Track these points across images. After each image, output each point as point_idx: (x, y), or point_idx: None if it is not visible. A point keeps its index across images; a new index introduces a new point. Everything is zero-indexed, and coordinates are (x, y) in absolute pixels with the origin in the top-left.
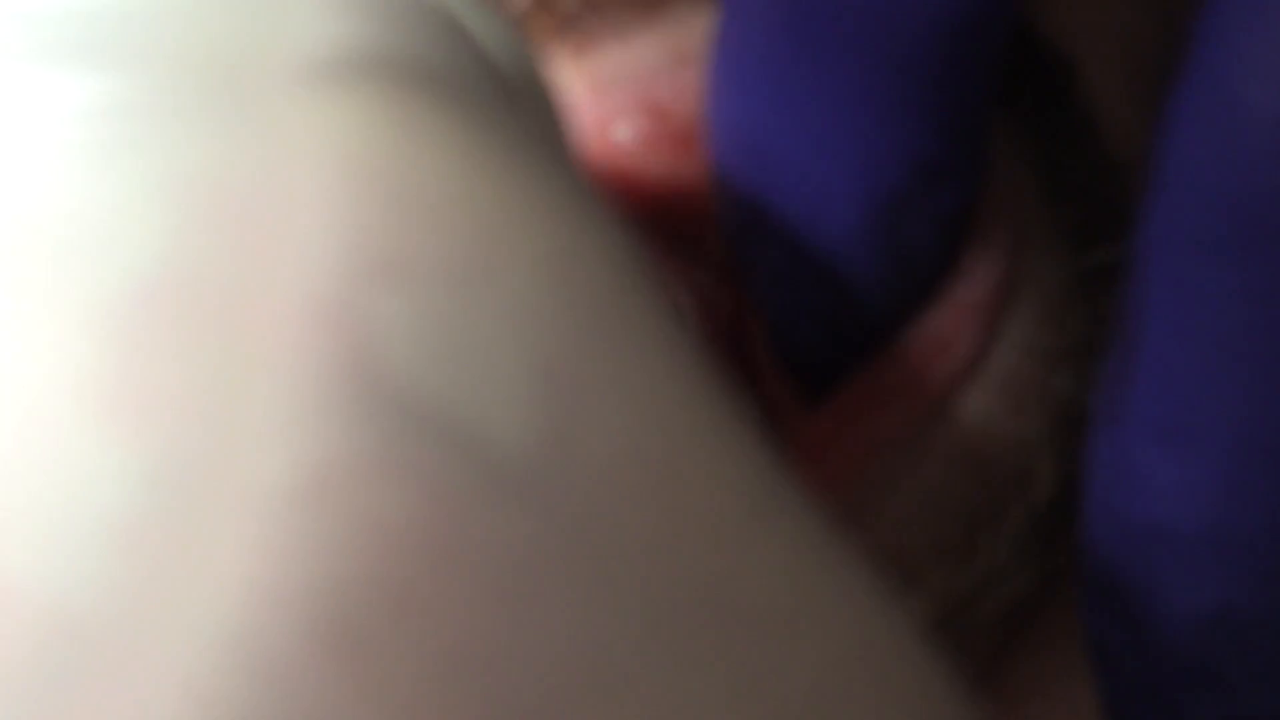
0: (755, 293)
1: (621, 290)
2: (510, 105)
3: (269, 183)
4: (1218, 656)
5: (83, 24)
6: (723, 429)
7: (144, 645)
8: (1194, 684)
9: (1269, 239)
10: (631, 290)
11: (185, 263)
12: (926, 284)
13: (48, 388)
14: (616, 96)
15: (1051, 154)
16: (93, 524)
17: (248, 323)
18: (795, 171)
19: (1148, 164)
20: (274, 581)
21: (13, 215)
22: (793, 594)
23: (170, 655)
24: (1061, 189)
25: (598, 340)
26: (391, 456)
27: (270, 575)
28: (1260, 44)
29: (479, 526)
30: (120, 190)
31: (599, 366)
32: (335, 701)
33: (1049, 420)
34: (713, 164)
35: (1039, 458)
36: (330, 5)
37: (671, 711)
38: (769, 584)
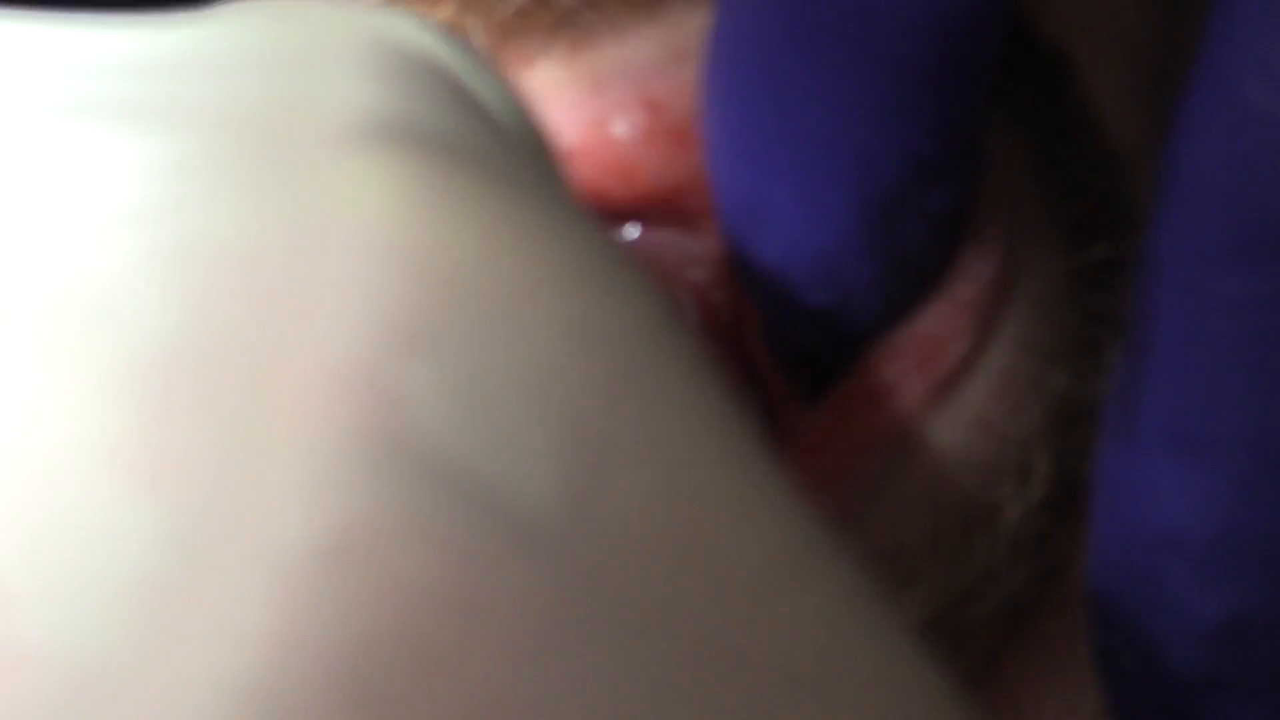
0: (752, 290)
1: (647, 348)
2: (519, 166)
3: (301, 253)
4: (1226, 665)
5: (125, 79)
6: (753, 486)
7: (164, 697)
8: (1202, 693)
9: (1269, 246)
10: (657, 346)
11: (212, 329)
12: (922, 281)
13: (73, 450)
14: (614, 93)
15: (1048, 150)
16: (116, 583)
17: (272, 388)
18: (791, 170)
19: (1146, 161)
20: (295, 637)
21: (46, 277)
22: (818, 654)
23: (190, 705)
24: (1058, 185)
25: (624, 400)
26: (415, 516)
27: (291, 631)
28: (1271, 49)
29: (502, 584)
30: (152, 255)
31: (624, 426)
32: None
33: (1046, 417)
34: (709, 162)
35: (1036, 454)
36: (361, 72)
37: None
38: (794, 643)
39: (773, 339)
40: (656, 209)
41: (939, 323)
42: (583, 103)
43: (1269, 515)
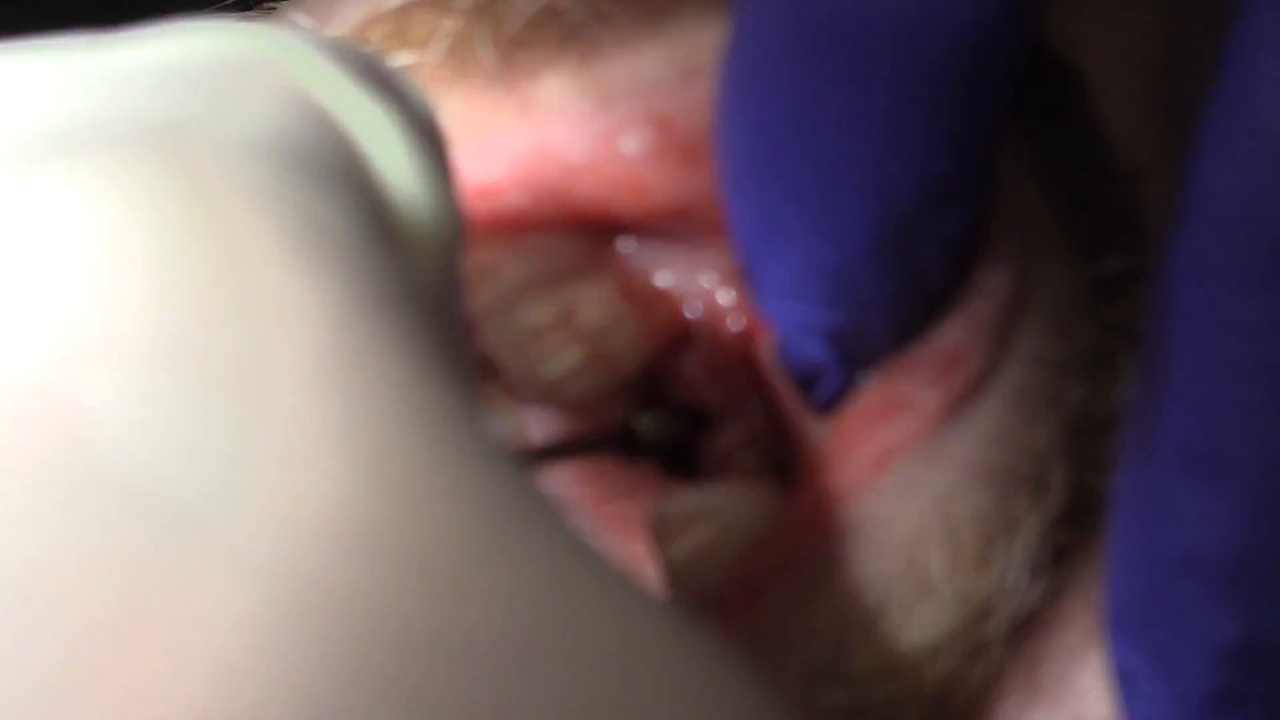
0: (764, 306)
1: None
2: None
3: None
4: (1244, 685)
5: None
6: (454, 465)
7: None
8: (1220, 712)
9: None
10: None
11: None
12: (936, 299)
13: None
14: (623, 108)
15: (1060, 164)
16: None
17: None
18: (804, 190)
19: (1158, 172)
20: None
21: None
22: (531, 622)
23: None
24: (1070, 199)
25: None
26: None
27: None
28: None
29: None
30: None
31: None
32: None
33: (1062, 429)
34: (722, 179)
35: (1052, 467)
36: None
37: None
38: (503, 620)
39: (785, 355)
40: (665, 224)
41: (954, 338)
42: (591, 117)
43: None
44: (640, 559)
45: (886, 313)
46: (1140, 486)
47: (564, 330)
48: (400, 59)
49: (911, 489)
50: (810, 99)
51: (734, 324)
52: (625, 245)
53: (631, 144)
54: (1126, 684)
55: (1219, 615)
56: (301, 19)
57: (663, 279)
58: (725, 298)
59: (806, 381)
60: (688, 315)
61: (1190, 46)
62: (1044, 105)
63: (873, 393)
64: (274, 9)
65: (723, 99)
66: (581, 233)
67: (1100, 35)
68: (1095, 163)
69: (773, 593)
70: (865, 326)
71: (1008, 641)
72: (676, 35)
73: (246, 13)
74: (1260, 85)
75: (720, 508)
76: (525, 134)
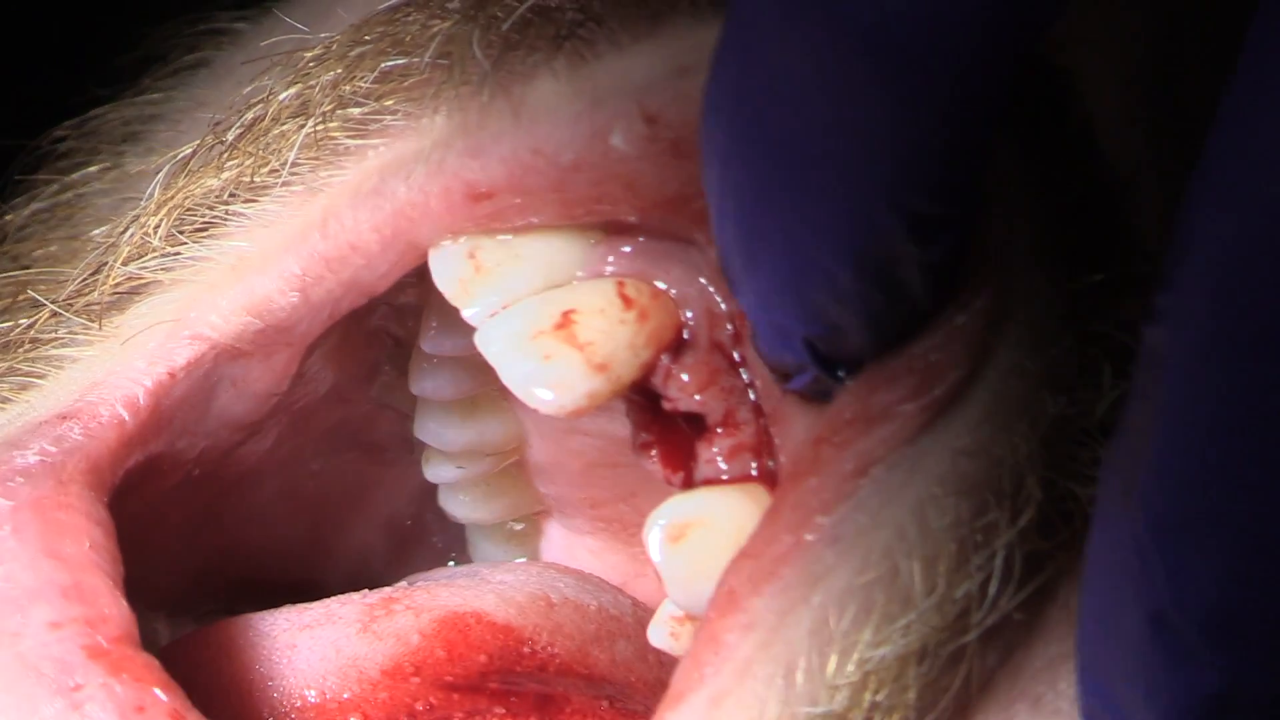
0: (744, 308)
1: None
2: None
3: None
4: None
5: None
6: None
7: None
8: None
9: (1266, 344)
10: None
11: None
12: (917, 314)
13: None
14: (614, 105)
15: (1044, 176)
16: None
17: None
18: (786, 214)
19: (1145, 181)
20: None
21: None
22: None
23: None
24: (1054, 211)
25: None
26: None
27: None
28: None
29: None
30: None
31: None
32: None
33: (1040, 440)
34: (706, 188)
35: (1029, 478)
36: None
37: None
38: None
39: (764, 352)
40: (658, 220)
41: (934, 351)
42: (583, 117)
43: (1259, 600)
44: (638, 561)
45: (865, 328)
46: (1114, 543)
47: (561, 335)
48: (392, 61)
49: (890, 498)
50: (799, 126)
51: (729, 328)
52: (624, 248)
53: (621, 139)
54: None
55: (1187, 675)
56: (296, 21)
57: (661, 282)
58: (721, 301)
59: (785, 375)
60: (685, 318)
61: (1185, 48)
62: (1033, 110)
63: (852, 403)
64: (271, 9)
65: (710, 107)
66: (580, 237)
67: (1093, 36)
68: (1081, 174)
69: (753, 603)
70: (843, 338)
71: (990, 651)
72: (668, 36)
73: (244, 11)
74: (1253, 152)
75: (716, 512)
76: (518, 135)
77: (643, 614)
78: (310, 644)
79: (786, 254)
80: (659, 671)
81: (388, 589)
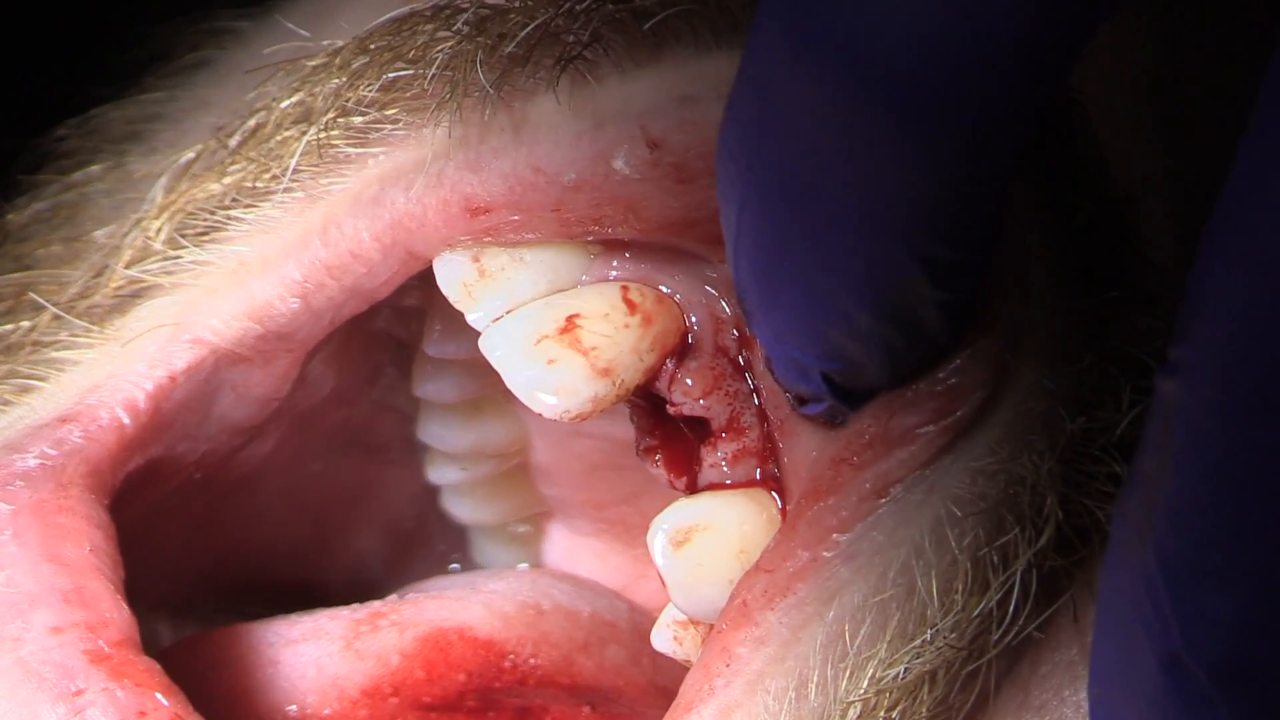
0: (762, 341)
1: None
2: None
3: None
4: None
5: None
6: None
7: None
8: None
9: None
10: None
11: None
12: (935, 350)
13: None
14: (616, 128)
15: (1058, 195)
16: None
17: None
18: (807, 257)
19: (1156, 197)
20: None
21: None
22: None
23: None
24: (1068, 230)
25: None
26: None
27: None
28: None
29: None
30: None
31: None
32: None
33: (1058, 459)
34: (724, 226)
35: (1048, 496)
36: None
37: None
38: None
39: (781, 380)
40: (660, 242)
41: (954, 373)
42: (585, 137)
43: (1271, 648)
44: (641, 563)
45: (882, 364)
46: (1128, 587)
47: (565, 340)
48: (396, 71)
49: (908, 518)
50: (815, 173)
51: (734, 333)
52: (628, 253)
53: (624, 163)
54: None
55: (1201, 714)
56: (298, 23)
57: (665, 286)
58: (726, 307)
59: (800, 399)
60: (689, 323)
61: (1190, 62)
62: (1042, 135)
63: (872, 425)
64: (271, 14)
65: (727, 154)
66: (589, 243)
67: (1096, 54)
68: (1094, 193)
69: (766, 616)
70: (860, 373)
71: (999, 664)
72: (670, 65)
73: (247, 10)
74: (1270, 206)
75: (720, 517)
76: (519, 152)
77: (640, 619)
78: (293, 660)
79: (804, 295)
80: (653, 675)
81: (377, 603)
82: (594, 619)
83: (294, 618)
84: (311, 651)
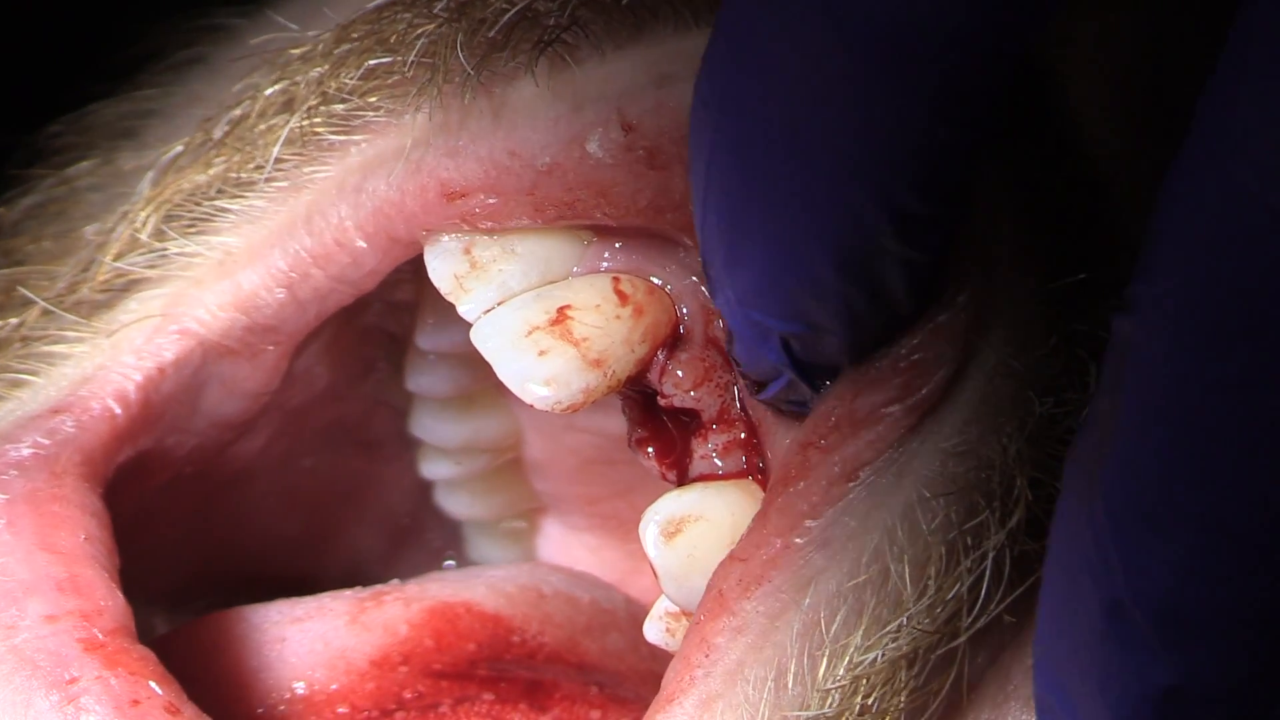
0: (723, 308)
1: None
2: None
3: None
4: None
5: None
6: None
7: None
8: None
9: (1256, 332)
10: None
11: None
12: (899, 316)
13: None
14: (592, 111)
15: (1028, 175)
16: None
17: None
18: (773, 208)
19: (1130, 180)
20: None
21: None
22: None
23: None
24: (1038, 210)
25: None
26: None
27: None
28: (1267, 139)
29: None
30: None
31: None
32: None
33: (1027, 441)
34: (693, 181)
35: (1018, 478)
36: None
37: None
38: None
39: (741, 355)
40: (634, 225)
41: (918, 352)
42: (562, 119)
43: (1215, 594)
44: (635, 558)
45: (844, 328)
46: (1075, 532)
47: (557, 331)
48: (377, 58)
49: (880, 502)
50: (789, 118)
51: (722, 324)
52: (618, 244)
53: (597, 146)
54: (1045, 716)
55: (1141, 667)
56: (290, 20)
57: (656, 277)
58: (698, 294)
59: (759, 384)
60: (680, 314)
61: (1172, 47)
62: (1017, 107)
63: (837, 406)
64: (264, 10)
65: (700, 102)
66: (576, 233)
67: (1078, 35)
68: (1065, 173)
69: (743, 605)
70: (822, 339)
71: (981, 652)
72: (650, 44)
73: (241, 7)
74: (1235, 147)
75: (712, 508)
76: (496, 136)
77: (636, 610)
78: (299, 637)
79: (771, 248)
80: (652, 664)
81: (380, 585)
82: (594, 606)
83: (295, 600)
84: (317, 627)
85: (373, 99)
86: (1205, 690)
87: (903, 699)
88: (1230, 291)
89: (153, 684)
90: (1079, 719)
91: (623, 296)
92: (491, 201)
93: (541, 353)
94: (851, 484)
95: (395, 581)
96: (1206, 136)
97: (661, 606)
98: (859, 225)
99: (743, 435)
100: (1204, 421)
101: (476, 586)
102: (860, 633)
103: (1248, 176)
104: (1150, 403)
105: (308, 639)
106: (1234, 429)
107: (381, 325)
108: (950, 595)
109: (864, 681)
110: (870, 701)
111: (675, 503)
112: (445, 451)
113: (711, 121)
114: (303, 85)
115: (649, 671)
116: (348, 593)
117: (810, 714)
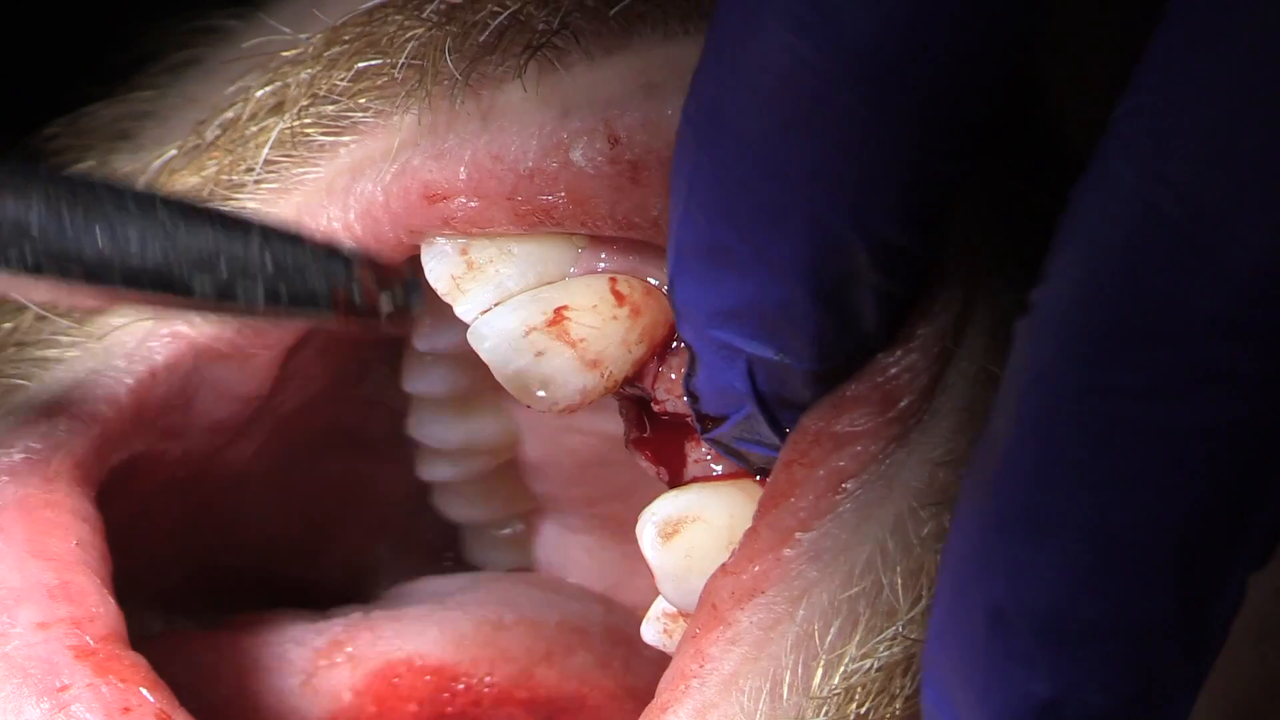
0: (689, 330)
1: None
2: None
3: None
4: None
5: None
6: None
7: None
8: None
9: (1141, 338)
10: None
11: None
12: (865, 347)
13: None
14: (579, 119)
15: (1008, 183)
16: None
17: None
18: (753, 230)
19: None
20: None
21: None
22: None
23: None
24: (1017, 217)
25: None
26: None
27: None
28: (1166, 147)
29: None
30: None
31: None
32: None
33: None
34: (673, 194)
35: None
36: None
37: None
38: None
39: (702, 382)
40: (612, 235)
41: (896, 366)
42: (547, 125)
43: (1096, 606)
44: (632, 559)
45: (814, 353)
46: (963, 536)
47: (554, 332)
48: (367, 60)
49: (870, 513)
50: (774, 135)
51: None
52: (618, 246)
53: (581, 155)
54: None
55: (1020, 676)
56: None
57: (654, 278)
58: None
59: (716, 418)
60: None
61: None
62: (1001, 117)
63: (815, 423)
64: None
65: (686, 119)
66: (573, 236)
67: (1062, 40)
68: (1045, 180)
69: (737, 617)
70: (788, 367)
71: None
72: (639, 51)
73: (236, 9)
74: (1125, 147)
75: (709, 508)
76: (481, 140)
77: (619, 621)
78: (258, 688)
79: (746, 269)
80: (625, 679)
81: (340, 623)
82: (561, 627)
83: (268, 629)
84: (275, 683)
85: (362, 100)
86: (1083, 706)
87: (898, 707)
88: (1120, 298)
89: (144, 691)
90: None
91: (619, 297)
92: (473, 205)
93: (539, 353)
94: (839, 496)
95: (359, 614)
96: (1110, 144)
97: (659, 607)
98: (835, 251)
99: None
100: (1090, 427)
101: (429, 631)
102: (855, 642)
103: (1129, 176)
104: (1038, 407)
105: (265, 692)
106: (1120, 436)
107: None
108: None
109: (859, 690)
110: (865, 710)
111: (672, 504)
112: (443, 453)
113: (695, 139)
114: (294, 86)
115: (618, 688)
116: (312, 635)
117: None
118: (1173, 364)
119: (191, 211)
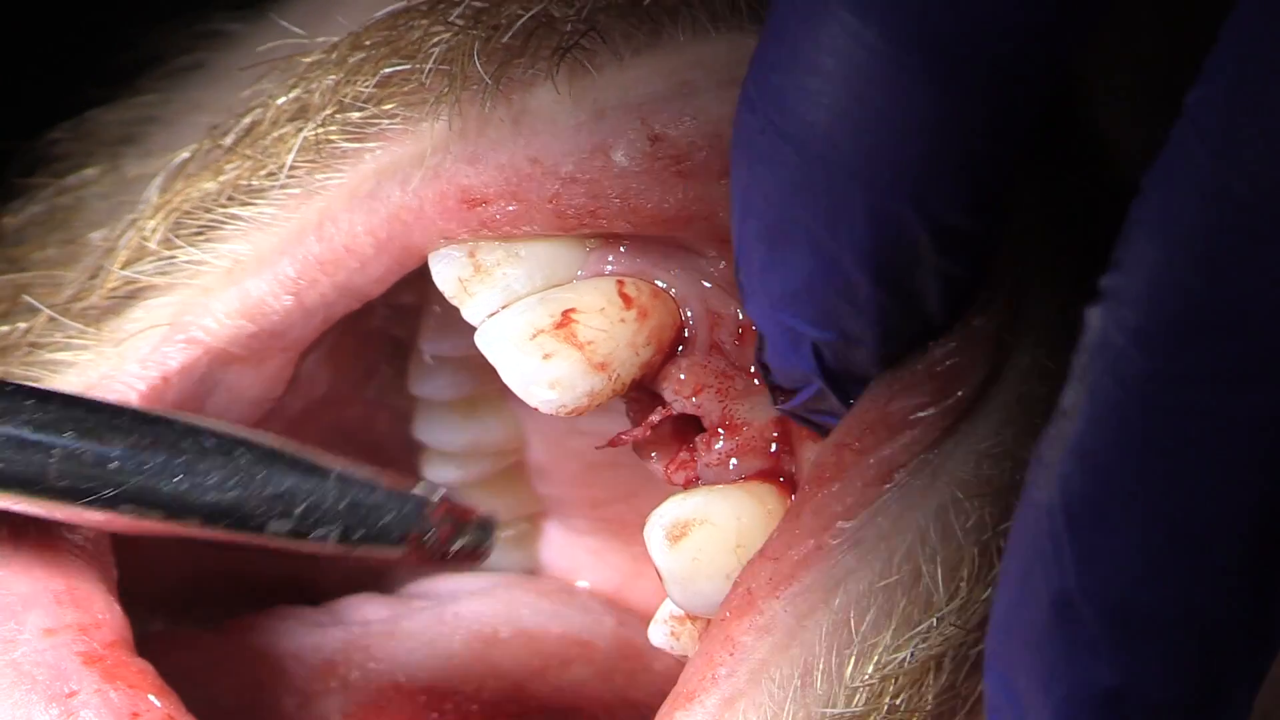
0: (755, 313)
1: None
2: None
3: None
4: None
5: None
6: None
7: None
8: None
9: (1220, 327)
10: None
11: None
12: (931, 328)
13: None
14: (615, 120)
15: (1060, 178)
16: None
17: None
18: (813, 214)
19: None
20: None
21: None
22: None
23: None
24: (1067, 211)
25: None
26: None
27: None
28: (1242, 137)
29: None
30: None
31: None
32: None
33: None
34: (733, 185)
35: None
36: None
37: None
38: None
39: (770, 362)
40: (658, 235)
41: (953, 356)
42: (583, 129)
43: (1164, 596)
44: (638, 561)
45: (878, 336)
46: (1030, 524)
47: (561, 334)
48: (393, 66)
49: (913, 503)
50: (835, 123)
51: (731, 329)
52: (623, 247)
53: (624, 155)
54: (994, 715)
55: (1086, 666)
56: (294, 24)
57: (661, 281)
58: (722, 302)
59: (787, 390)
60: (685, 318)
61: (1194, 44)
62: (1045, 116)
63: (872, 409)
64: (265, 15)
65: (746, 105)
66: (581, 237)
67: (1105, 42)
68: (1092, 175)
69: (771, 604)
70: (854, 347)
71: None
72: (668, 51)
73: (240, 12)
74: (1212, 143)
75: (717, 511)
76: (517, 144)
77: (628, 631)
78: (257, 707)
79: (808, 253)
80: (626, 691)
81: (340, 637)
82: (562, 639)
83: (269, 636)
84: (273, 701)
85: (388, 106)
86: (1147, 697)
87: (930, 700)
88: (1196, 284)
89: (152, 697)
90: (1025, 719)
91: (627, 300)
92: (512, 208)
93: (546, 356)
94: (886, 485)
95: (359, 629)
96: (1185, 130)
97: (666, 610)
98: (898, 236)
99: (751, 439)
100: (1164, 416)
101: (419, 651)
102: (890, 633)
103: (1206, 161)
104: (1110, 394)
105: (267, 714)
106: (1194, 423)
107: (385, 329)
108: (983, 597)
109: (893, 681)
110: (899, 701)
111: (680, 506)
112: (449, 455)
113: (757, 125)
114: (317, 94)
115: (616, 700)
116: (308, 651)
117: (837, 711)
118: (1248, 352)
119: (269, 455)
